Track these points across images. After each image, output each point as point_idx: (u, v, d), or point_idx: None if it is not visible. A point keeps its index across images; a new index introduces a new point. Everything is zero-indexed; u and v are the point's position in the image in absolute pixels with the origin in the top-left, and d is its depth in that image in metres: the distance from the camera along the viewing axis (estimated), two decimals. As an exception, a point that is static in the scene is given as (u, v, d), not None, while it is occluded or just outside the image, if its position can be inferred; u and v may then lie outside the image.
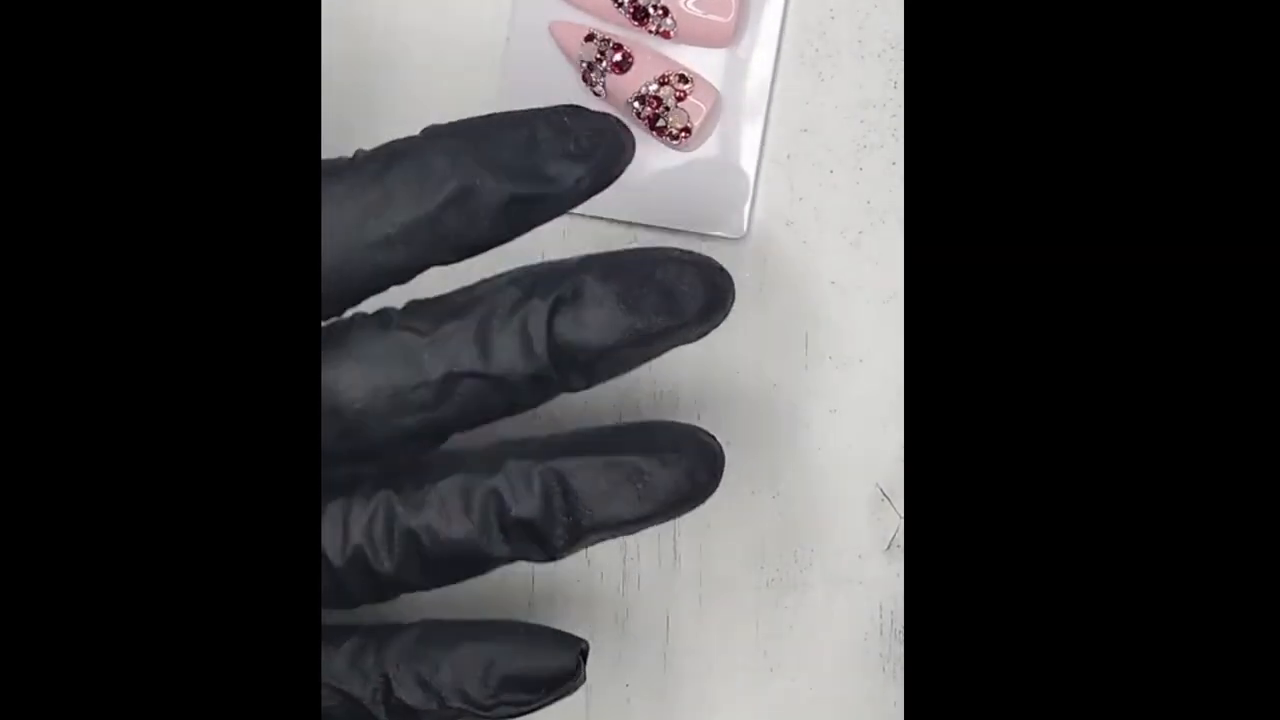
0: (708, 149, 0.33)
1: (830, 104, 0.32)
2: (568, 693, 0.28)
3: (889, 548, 0.32)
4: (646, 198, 0.33)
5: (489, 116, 0.28)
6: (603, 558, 0.33)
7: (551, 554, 0.28)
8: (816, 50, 0.32)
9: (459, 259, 0.28)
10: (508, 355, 0.27)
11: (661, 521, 0.28)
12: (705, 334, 0.28)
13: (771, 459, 0.33)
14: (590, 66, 0.33)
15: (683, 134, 0.32)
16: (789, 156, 0.33)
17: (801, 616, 0.33)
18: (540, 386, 0.28)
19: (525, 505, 0.28)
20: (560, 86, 0.33)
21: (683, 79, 0.32)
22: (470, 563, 0.28)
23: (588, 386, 0.28)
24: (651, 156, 0.33)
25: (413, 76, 0.35)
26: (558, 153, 0.27)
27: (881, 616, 0.32)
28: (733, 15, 0.32)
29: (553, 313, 0.27)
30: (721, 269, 0.28)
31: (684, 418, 0.31)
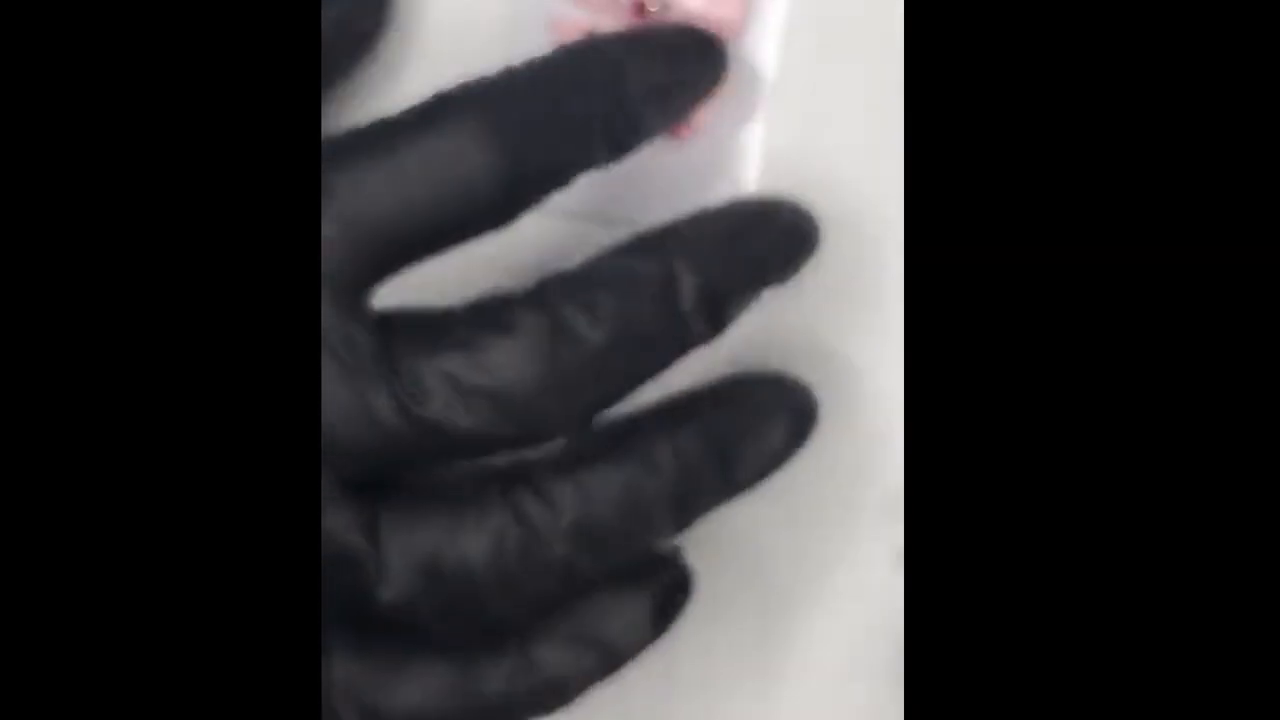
0: (707, 148, 0.33)
1: (830, 104, 0.32)
2: None
3: (890, 552, 0.32)
4: (648, 194, 0.33)
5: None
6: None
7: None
8: (817, 49, 0.32)
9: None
10: (658, 318, 0.28)
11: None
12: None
13: (771, 461, 0.33)
14: None
15: (681, 128, 0.32)
16: (789, 157, 0.32)
17: (801, 622, 0.33)
18: (684, 344, 0.28)
19: (677, 484, 0.28)
20: None
21: None
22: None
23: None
24: (650, 155, 0.33)
25: (412, 73, 0.35)
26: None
27: (883, 620, 0.32)
28: (736, 11, 0.32)
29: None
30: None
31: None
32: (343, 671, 0.29)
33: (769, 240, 0.29)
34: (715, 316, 0.29)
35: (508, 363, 0.27)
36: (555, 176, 0.29)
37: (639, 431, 0.29)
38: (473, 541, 0.28)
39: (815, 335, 0.33)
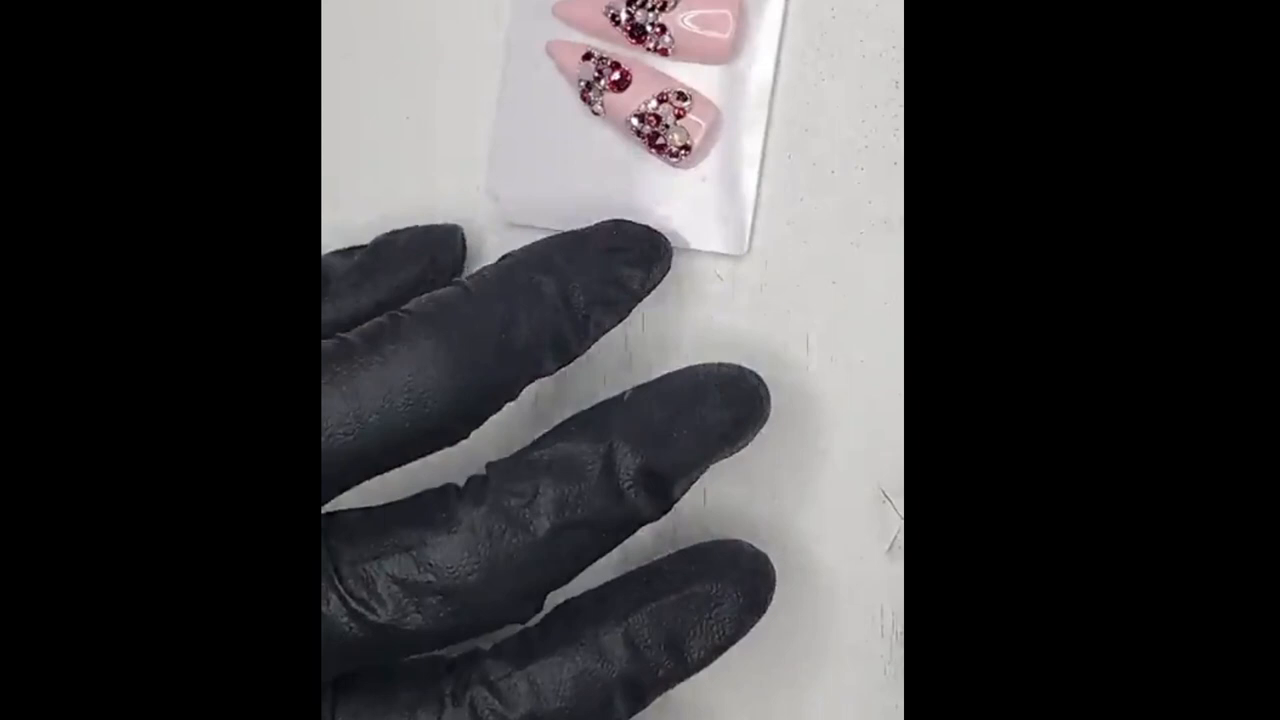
0: (708, 166, 0.33)
1: (830, 104, 0.32)
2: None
3: (890, 549, 0.32)
4: (647, 217, 0.33)
5: (571, 235, 0.30)
6: (603, 560, 0.33)
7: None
8: (817, 50, 0.32)
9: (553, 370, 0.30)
10: (600, 501, 0.28)
11: (747, 440, 0.29)
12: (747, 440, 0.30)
13: (771, 459, 0.33)
14: (589, 85, 0.33)
15: (682, 151, 0.32)
16: (789, 156, 0.33)
17: (802, 618, 0.33)
18: (629, 525, 0.29)
19: (628, 670, 0.28)
20: (559, 106, 0.33)
21: (681, 96, 0.32)
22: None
23: (663, 514, 0.29)
24: (651, 175, 0.33)
25: (409, 98, 0.35)
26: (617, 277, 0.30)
27: (882, 618, 0.32)
28: (731, 31, 0.32)
29: (636, 454, 0.28)
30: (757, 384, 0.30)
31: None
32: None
33: (716, 412, 0.29)
34: (660, 495, 0.29)
35: (453, 560, 0.28)
36: (505, 391, 0.29)
37: (591, 617, 0.29)
38: None
39: (813, 329, 0.33)
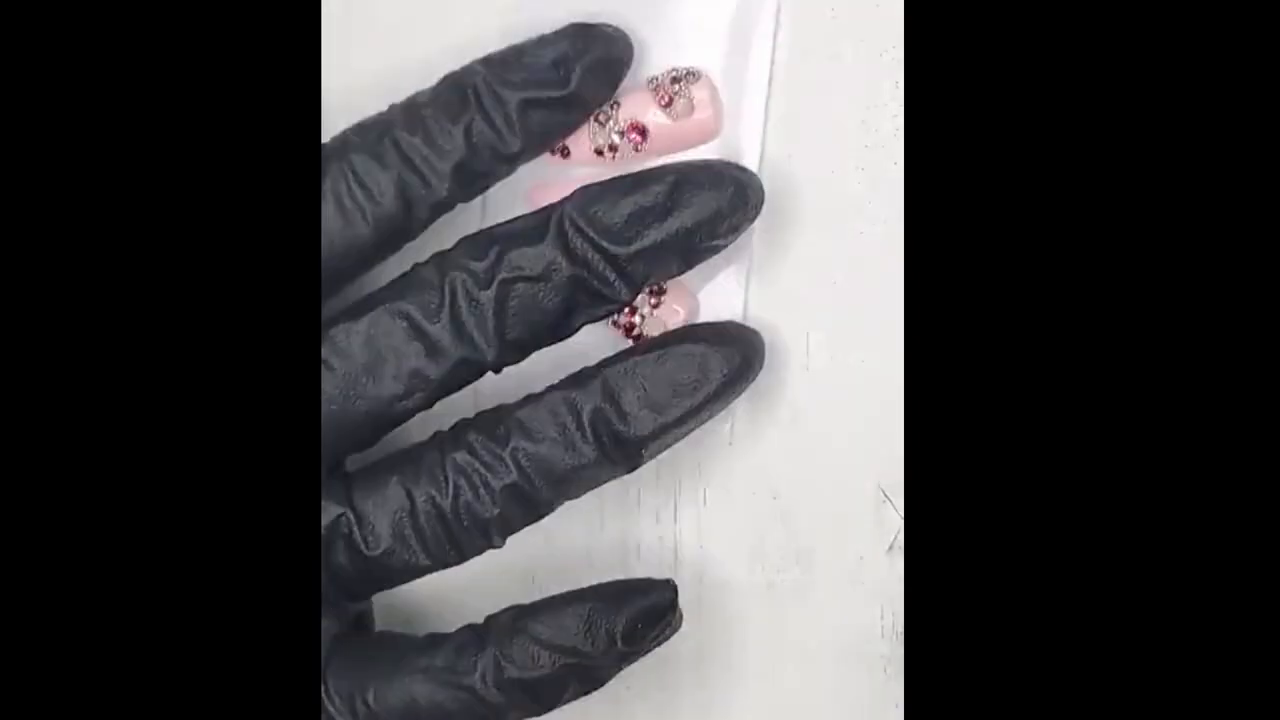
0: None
1: (830, 104, 0.32)
2: (667, 629, 0.30)
3: (890, 549, 0.32)
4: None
5: (499, 51, 0.31)
6: (604, 558, 0.33)
7: (634, 459, 0.30)
8: (817, 50, 0.32)
9: (507, 172, 0.31)
10: (551, 257, 0.29)
11: (725, 403, 0.30)
12: (744, 226, 0.30)
13: (772, 459, 0.33)
14: None
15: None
16: (789, 156, 0.32)
17: (802, 618, 0.33)
18: (589, 291, 0.30)
19: (596, 410, 0.29)
20: None
21: (658, 288, 0.32)
22: (558, 479, 0.30)
23: (632, 297, 0.30)
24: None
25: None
26: (551, 60, 0.30)
27: (882, 618, 0.32)
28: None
29: (583, 217, 0.29)
30: (731, 168, 0.30)
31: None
32: (338, 674, 0.30)
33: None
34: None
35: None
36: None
37: (567, 383, 0.30)
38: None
39: (813, 329, 0.33)
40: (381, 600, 0.33)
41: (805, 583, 0.33)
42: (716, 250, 0.30)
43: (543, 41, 0.31)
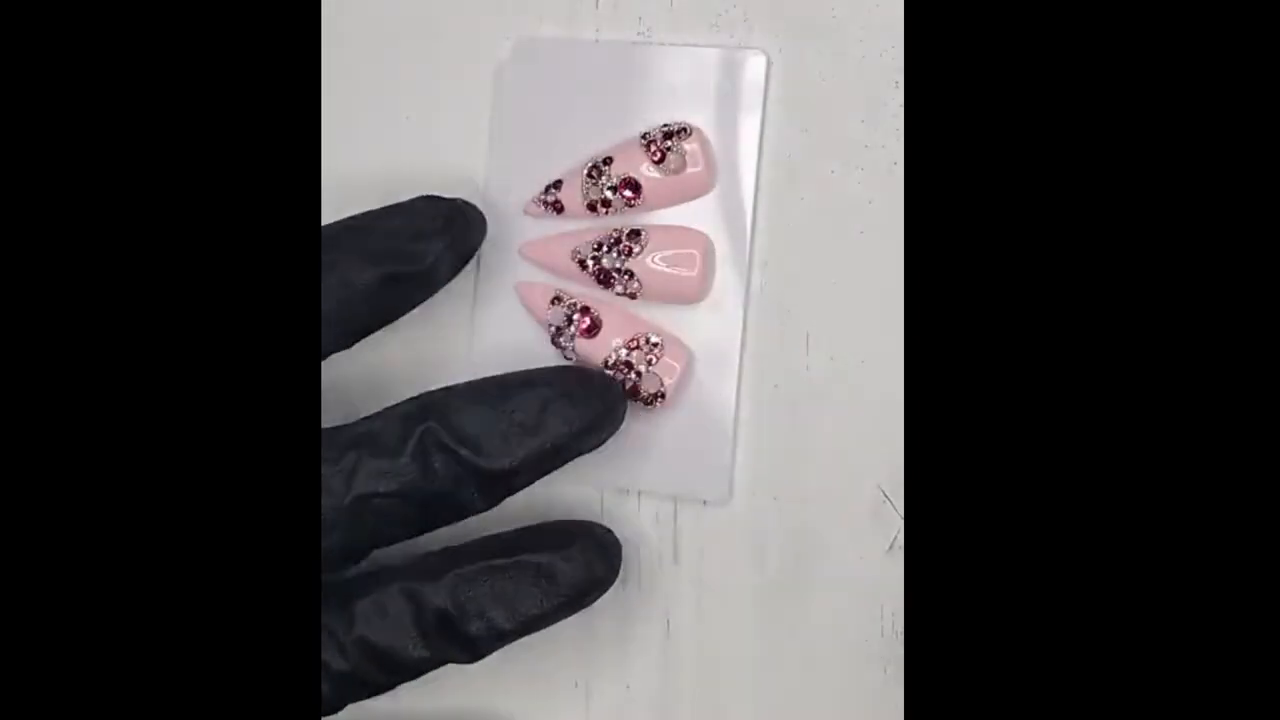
0: (683, 410, 0.32)
1: (830, 103, 0.32)
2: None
3: (890, 549, 0.32)
4: (624, 460, 0.33)
5: (353, 217, 0.31)
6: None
7: (474, 655, 0.30)
8: (817, 50, 0.32)
9: (351, 343, 0.31)
10: (410, 476, 0.29)
11: (568, 614, 0.30)
12: (604, 442, 0.31)
13: (772, 459, 0.33)
14: (559, 330, 0.32)
15: (657, 399, 0.32)
16: (789, 156, 0.33)
17: (802, 618, 0.33)
18: (446, 505, 0.30)
19: (440, 611, 0.30)
20: (528, 347, 0.33)
21: (652, 341, 0.32)
22: (397, 667, 0.30)
23: (489, 507, 0.30)
24: (628, 420, 0.32)
25: (409, 98, 0.35)
26: (414, 235, 0.30)
27: (882, 618, 0.32)
28: (698, 269, 0.32)
29: (449, 432, 0.29)
30: (609, 383, 0.31)
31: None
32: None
33: (533, 414, 0.30)
34: (483, 485, 0.30)
35: None
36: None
37: (413, 569, 0.31)
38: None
39: (813, 329, 0.33)
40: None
41: (805, 583, 0.33)
42: (575, 457, 0.31)
43: (398, 212, 0.31)
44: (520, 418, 0.29)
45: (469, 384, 0.31)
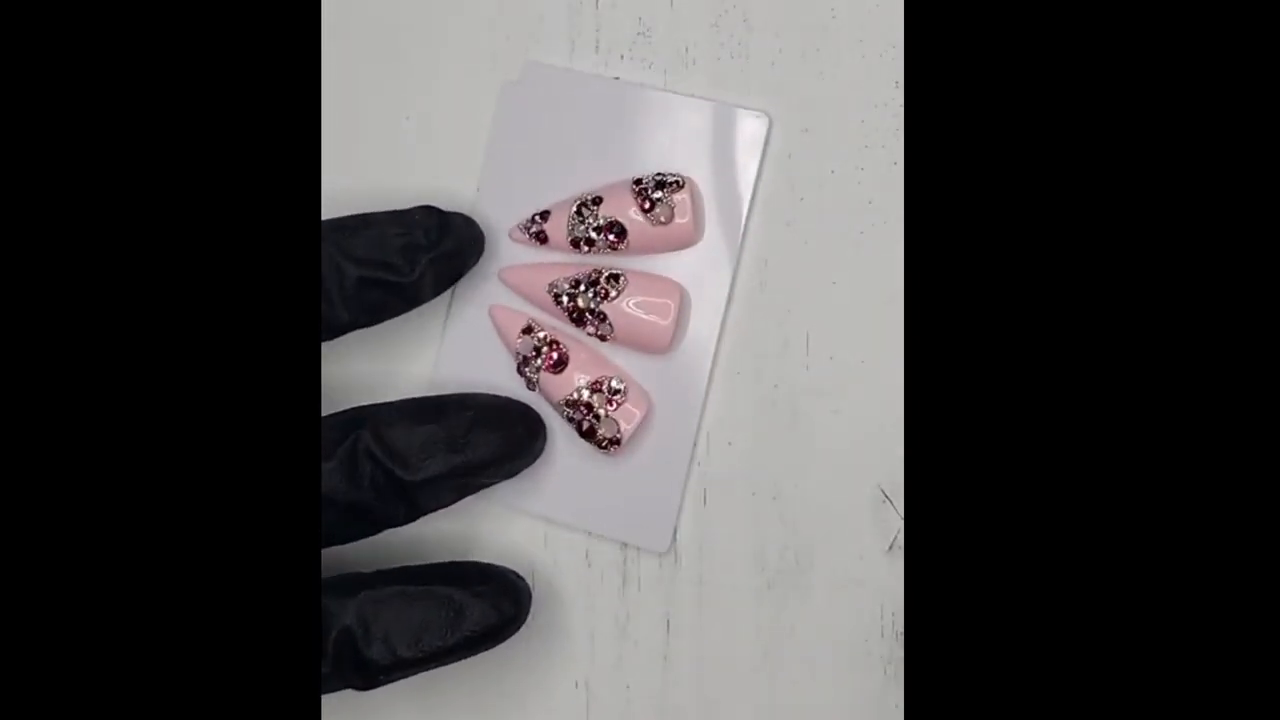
0: (637, 457, 0.33)
1: (830, 104, 0.32)
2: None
3: (890, 549, 0.32)
4: (572, 498, 0.33)
5: (350, 216, 0.31)
6: (603, 559, 0.33)
7: (370, 680, 0.30)
8: (817, 50, 0.32)
9: (323, 338, 0.31)
10: (334, 481, 0.30)
11: (470, 653, 0.30)
12: (519, 471, 0.32)
13: (772, 459, 0.33)
14: (525, 360, 0.32)
15: (611, 445, 0.32)
16: (789, 156, 0.33)
17: (802, 618, 0.33)
18: (366, 515, 0.30)
19: (345, 629, 0.30)
20: (494, 371, 0.33)
21: (614, 388, 0.32)
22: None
23: (409, 520, 0.31)
24: (582, 459, 0.33)
25: (409, 98, 0.35)
26: (405, 246, 0.31)
27: (883, 618, 0.32)
28: (671, 319, 0.32)
29: (378, 443, 0.30)
30: (527, 413, 0.31)
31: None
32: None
33: (452, 432, 0.31)
34: (401, 496, 0.31)
35: None
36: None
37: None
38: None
39: (813, 329, 0.33)
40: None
41: (805, 583, 0.33)
42: (494, 483, 0.31)
43: (394, 219, 0.31)
44: (444, 435, 0.30)
45: (412, 400, 0.31)
